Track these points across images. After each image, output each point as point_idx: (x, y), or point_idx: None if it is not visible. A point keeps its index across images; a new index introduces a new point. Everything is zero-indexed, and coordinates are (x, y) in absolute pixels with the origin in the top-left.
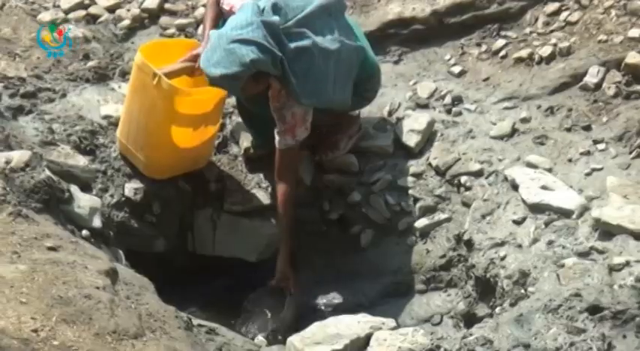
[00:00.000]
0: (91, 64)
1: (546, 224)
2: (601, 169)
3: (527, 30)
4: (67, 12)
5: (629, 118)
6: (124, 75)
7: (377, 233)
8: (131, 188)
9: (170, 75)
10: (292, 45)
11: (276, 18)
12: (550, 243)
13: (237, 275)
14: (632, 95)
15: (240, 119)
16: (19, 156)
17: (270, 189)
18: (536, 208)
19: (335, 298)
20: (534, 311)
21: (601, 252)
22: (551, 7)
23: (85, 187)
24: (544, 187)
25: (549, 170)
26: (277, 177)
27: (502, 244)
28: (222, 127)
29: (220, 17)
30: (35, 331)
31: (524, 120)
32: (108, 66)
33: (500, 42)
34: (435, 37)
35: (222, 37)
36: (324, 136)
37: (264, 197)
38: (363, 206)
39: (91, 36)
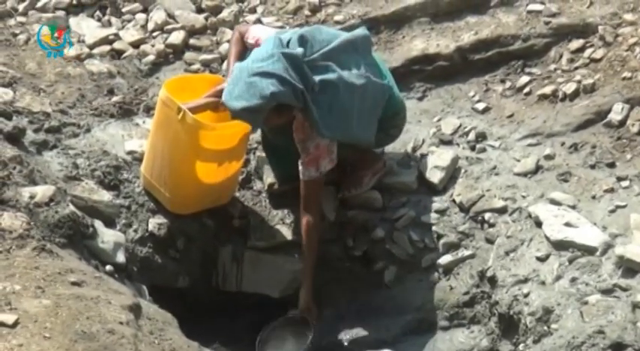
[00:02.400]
0: (115, 99)
1: (570, 261)
2: (625, 206)
3: (552, 67)
4: (91, 47)
5: None
6: (149, 110)
7: (400, 269)
8: (155, 223)
9: (194, 110)
10: (317, 78)
11: (300, 50)
12: (573, 280)
13: (261, 311)
14: None
15: (264, 154)
16: (43, 191)
17: (294, 225)
18: (560, 245)
19: (358, 334)
20: (557, 348)
21: (624, 289)
22: (576, 44)
23: (109, 223)
24: (568, 224)
25: (573, 207)
26: (302, 209)
27: (525, 281)
28: (246, 162)
29: (246, 52)
30: None
31: (548, 157)
32: (132, 101)
33: (525, 79)
34: (459, 73)
35: (243, 71)
36: (349, 172)
37: (287, 233)
38: (387, 242)
39: (115, 71)
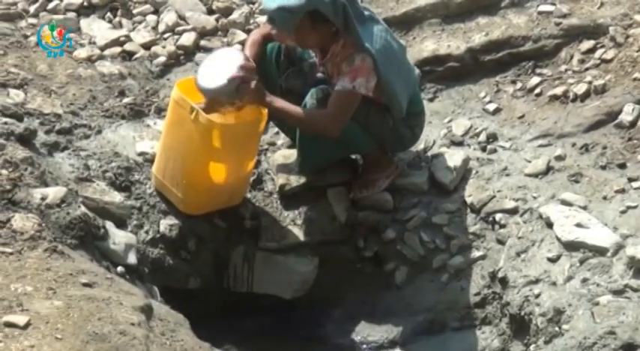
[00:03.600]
0: (126, 100)
1: (581, 262)
2: (636, 207)
3: (563, 68)
4: (102, 48)
5: None
6: (160, 112)
7: (411, 270)
8: (166, 225)
9: (207, 110)
10: (366, 12)
11: None
12: (584, 281)
13: (272, 312)
14: None
15: (274, 157)
16: (54, 192)
17: (305, 226)
18: (571, 246)
19: (369, 335)
20: (569, 349)
21: (636, 290)
22: (587, 44)
23: (121, 224)
24: (579, 225)
25: (584, 208)
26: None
27: (537, 281)
28: (258, 163)
29: (262, 55)
30: None
31: (559, 158)
32: (143, 102)
33: (535, 79)
34: (470, 74)
35: None
36: (362, 174)
37: (299, 234)
38: (398, 243)
39: (126, 72)
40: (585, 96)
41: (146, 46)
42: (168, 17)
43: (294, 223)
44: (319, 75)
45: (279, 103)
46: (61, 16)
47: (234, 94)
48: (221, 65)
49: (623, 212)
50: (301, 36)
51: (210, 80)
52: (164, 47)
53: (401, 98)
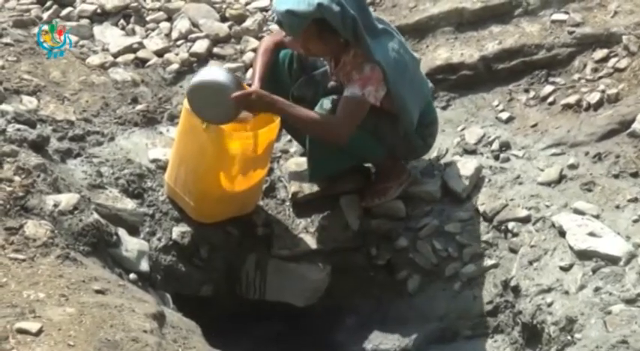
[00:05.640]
0: (139, 107)
1: (593, 271)
2: None
3: (576, 76)
4: (115, 55)
5: None
6: (173, 119)
7: (424, 279)
8: (179, 232)
9: None
10: (380, 26)
11: None
12: (597, 290)
13: (284, 320)
14: None
15: (287, 165)
16: (67, 199)
17: (317, 234)
18: (584, 255)
19: (381, 343)
20: None
21: None
22: (600, 53)
23: (133, 231)
24: (591, 234)
25: (597, 217)
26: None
27: (549, 290)
28: (271, 171)
29: (274, 64)
30: None
31: (572, 166)
32: (156, 110)
33: (549, 88)
34: (483, 82)
35: None
36: (374, 182)
37: (311, 242)
38: (410, 252)
39: (139, 79)
40: (598, 105)
41: (159, 54)
42: (182, 24)
43: (306, 230)
44: (331, 84)
45: (283, 104)
46: (74, 23)
47: (238, 115)
48: (207, 95)
49: (635, 221)
50: (307, 43)
51: (210, 112)
52: (177, 54)
53: (412, 110)
